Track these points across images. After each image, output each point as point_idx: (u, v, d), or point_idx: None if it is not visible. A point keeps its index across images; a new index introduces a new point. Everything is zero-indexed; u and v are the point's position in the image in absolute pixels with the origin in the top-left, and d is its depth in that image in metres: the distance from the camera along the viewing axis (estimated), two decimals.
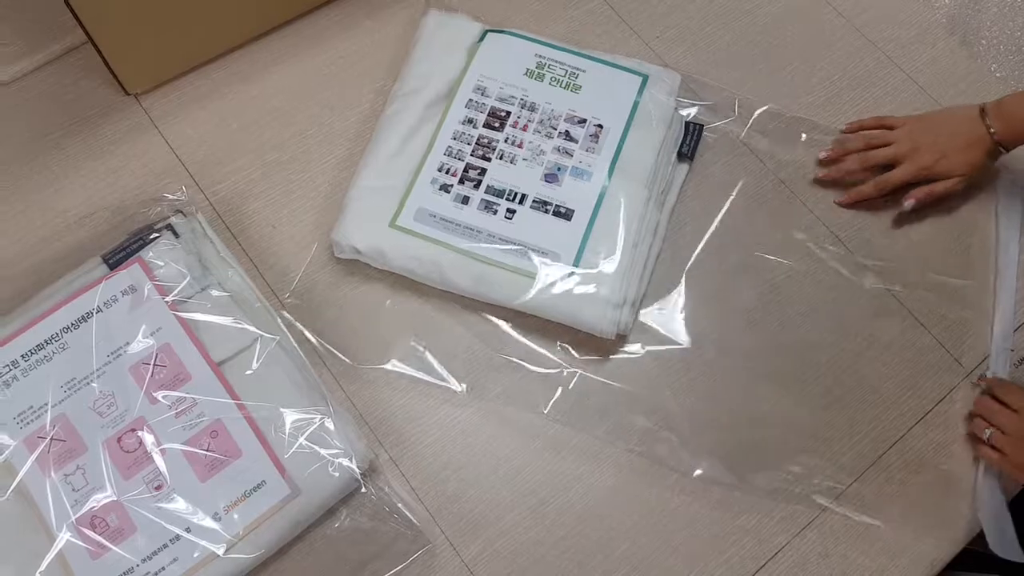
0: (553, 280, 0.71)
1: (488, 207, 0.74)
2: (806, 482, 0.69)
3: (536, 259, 0.72)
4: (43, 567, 0.59)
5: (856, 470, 0.70)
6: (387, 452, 0.68)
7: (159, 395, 0.63)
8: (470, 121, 0.77)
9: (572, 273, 0.71)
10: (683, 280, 0.75)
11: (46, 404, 0.62)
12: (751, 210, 0.79)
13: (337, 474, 0.63)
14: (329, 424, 0.64)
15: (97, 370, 0.64)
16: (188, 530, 0.61)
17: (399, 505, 0.64)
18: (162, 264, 0.67)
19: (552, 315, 0.71)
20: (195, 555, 0.60)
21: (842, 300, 0.76)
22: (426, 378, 0.70)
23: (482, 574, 0.65)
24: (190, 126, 0.77)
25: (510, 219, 0.73)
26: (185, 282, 0.66)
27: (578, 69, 0.80)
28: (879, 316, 0.75)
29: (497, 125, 0.77)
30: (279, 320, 0.67)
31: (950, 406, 0.73)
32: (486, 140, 0.77)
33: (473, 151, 0.76)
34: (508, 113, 0.78)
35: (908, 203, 0.78)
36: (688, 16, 0.87)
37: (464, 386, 0.70)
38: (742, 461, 0.69)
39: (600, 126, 0.78)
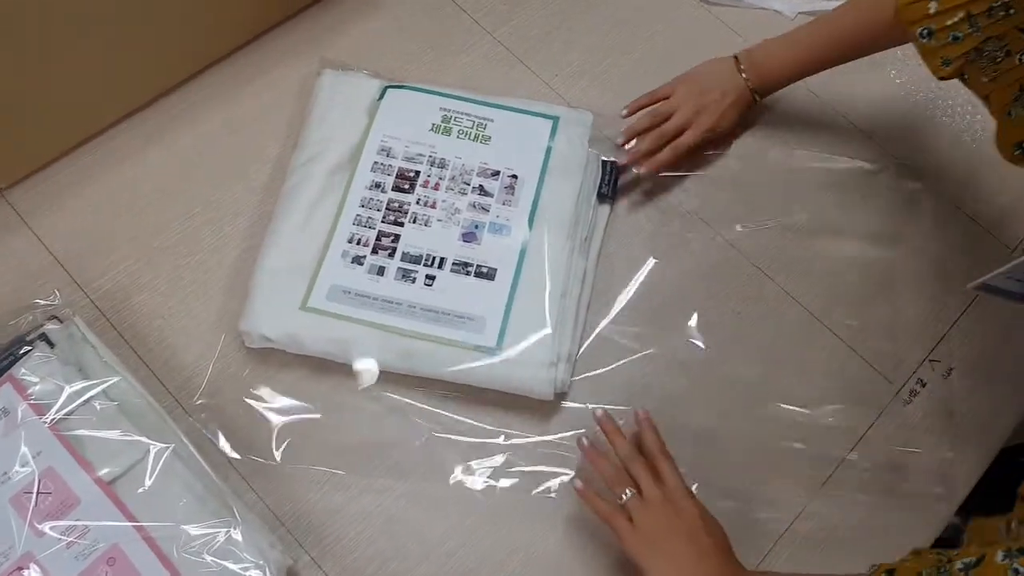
0: (482, 345, 0.67)
1: (406, 275, 0.70)
2: (757, 513, 0.67)
3: (462, 325, 0.68)
4: None
5: (807, 494, 0.68)
6: (308, 553, 0.63)
7: (45, 526, 0.58)
8: (378, 185, 0.73)
9: (501, 335, 0.68)
10: (615, 326, 0.72)
11: None
12: (674, 245, 0.76)
13: None
14: (237, 535, 0.59)
15: None
16: None
17: None
18: (37, 380, 0.61)
19: (485, 382, 0.67)
20: None
21: (770, 327, 0.74)
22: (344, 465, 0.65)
23: None
24: (63, 218, 0.72)
25: (430, 286, 0.69)
26: (64, 396, 0.61)
27: (486, 119, 0.76)
28: (809, 343, 0.74)
29: (407, 187, 0.73)
30: (174, 426, 0.62)
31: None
32: (397, 204, 0.72)
33: (384, 217, 0.72)
34: (417, 173, 0.74)
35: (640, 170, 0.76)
36: (586, 50, 0.85)
37: (388, 470, 0.66)
38: None
39: (515, 176, 0.74)
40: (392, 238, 0.71)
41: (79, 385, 0.62)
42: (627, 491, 0.60)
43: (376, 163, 0.74)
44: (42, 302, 0.64)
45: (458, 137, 0.75)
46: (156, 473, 0.60)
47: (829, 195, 0.80)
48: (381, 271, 0.70)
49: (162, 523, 0.59)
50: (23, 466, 0.59)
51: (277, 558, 0.59)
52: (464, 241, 0.71)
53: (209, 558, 0.58)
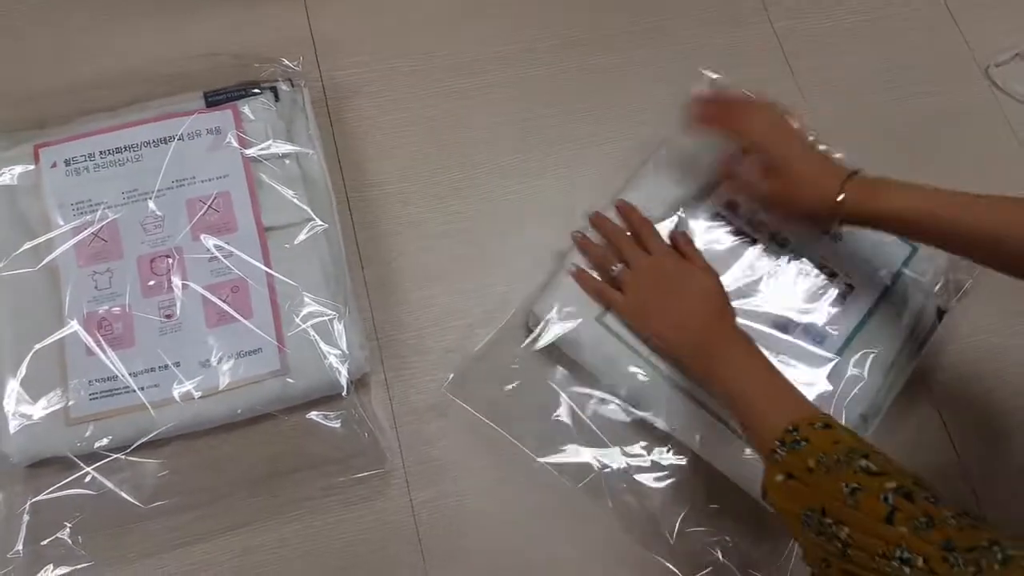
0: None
1: None
2: None
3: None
4: (42, 344, 0.62)
5: None
6: (385, 374, 0.68)
7: (203, 235, 0.65)
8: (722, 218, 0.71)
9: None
10: None
11: (103, 203, 0.65)
12: None
13: (329, 372, 0.63)
14: (340, 324, 0.64)
15: (158, 191, 0.66)
16: (178, 364, 0.62)
17: (370, 425, 0.63)
18: (253, 119, 0.68)
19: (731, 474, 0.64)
20: (174, 389, 0.62)
21: None
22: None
23: (425, 521, 0.64)
24: (339, 5, 0.78)
25: None
26: (266, 143, 0.68)
27: None
28: None
29: (750, 241, 0.71)
30: (336, 212, 0.68)
31: None
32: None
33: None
34: (755, 240, 0.71)
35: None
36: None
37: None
38: None
39: (850, 286, 0.69)
40: None
41: (282, 141, 0.69)
42: (615, 266, 0.65)
43: (718, 214, 0.71)
44: (287, 62, 0.71)
45: None
46: (304, 240, 0.66)
47: None
48: None
49: (289, 280, 0.65)
50: (209, 179, 0.67)
51: (360, 360, 0.64)
52: (774, 328, 0.67)
53: (310, 328, 0.64)
